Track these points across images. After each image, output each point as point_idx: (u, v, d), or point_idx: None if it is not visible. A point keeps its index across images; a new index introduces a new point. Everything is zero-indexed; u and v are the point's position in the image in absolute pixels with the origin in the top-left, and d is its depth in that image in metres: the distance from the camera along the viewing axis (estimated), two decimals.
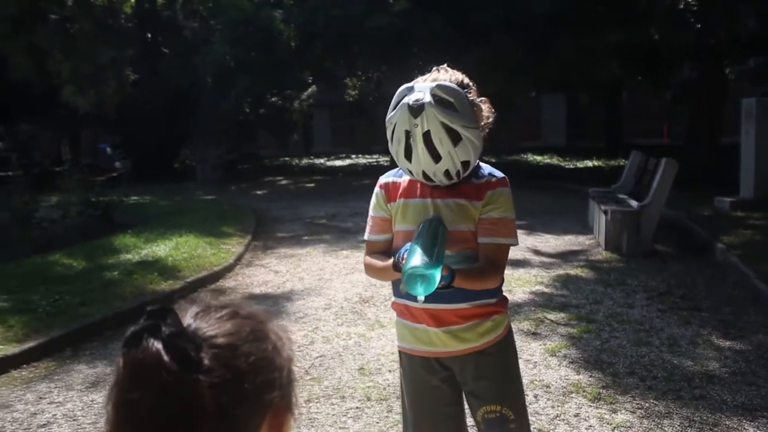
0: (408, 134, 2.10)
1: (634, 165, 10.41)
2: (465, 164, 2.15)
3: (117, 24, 21.86)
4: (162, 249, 8.58)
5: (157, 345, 0.81)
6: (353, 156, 27.98)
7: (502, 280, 2.35)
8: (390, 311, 6.08)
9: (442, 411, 2.38)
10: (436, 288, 1.96)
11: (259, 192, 18.08)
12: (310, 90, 24.21)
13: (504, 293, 2.40)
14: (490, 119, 2.22)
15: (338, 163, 26.28)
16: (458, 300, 2.24)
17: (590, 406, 4.02)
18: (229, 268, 8.12)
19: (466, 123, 2.09)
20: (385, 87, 25.03)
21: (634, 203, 8.50)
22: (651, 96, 24.06)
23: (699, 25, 14.24)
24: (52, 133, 30.08)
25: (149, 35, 22.93)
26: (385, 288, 6.89)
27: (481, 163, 2.30)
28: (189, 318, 0.88)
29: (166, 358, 0.80)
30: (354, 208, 12.89)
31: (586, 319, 5.64)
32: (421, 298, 1.97)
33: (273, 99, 23.00)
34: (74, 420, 4.16)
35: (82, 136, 30.01)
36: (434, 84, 2.10)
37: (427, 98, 2.06)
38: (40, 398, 4.51)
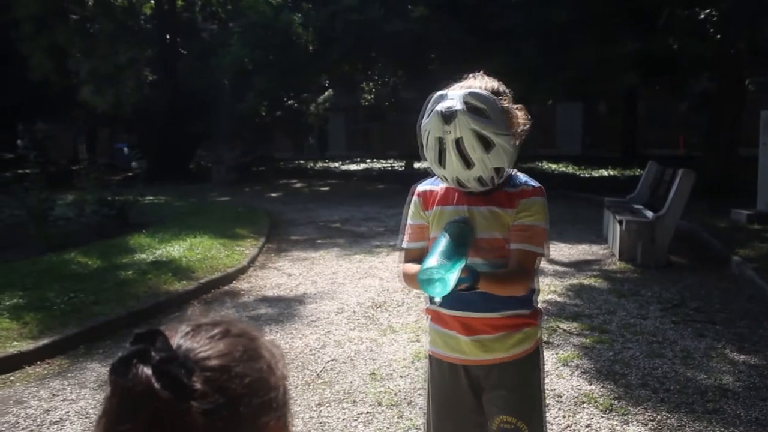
0: (440, 141, 2.12)
1: (650, 175, 10.35)
2: (498, 171, 2.16)
3: (136, 25, 22.06)
4: (176, 249, 8.63)
5: (147, 371, 0.77)
6: (368, 160, 27.99)
7: (536, 291, 2.34)
8: (402, 317, 6.10)
9: (467, 419, 2.38)
10: (458, 289, 1.97)
11: (273, 194, 18.14)
12: (326, 94, 24.28)
13: (538, 306, 2.38)
14: (526, 126, 2.22)
15: (353, 167, 26.30)
16: (490, 309, 2.25)
17: (602, 417, 3.99)
18: (242, 270, 8.15)
19: (497, 130, 2.09)
20: (402, 92, 25.11)
21: (649, 214, 8.45)
22: (668, 106, 23.97)
23: (719, 36, 14.17)
24: (69, 132, 30.37)
25: (168, 36, 23.10)
26: (398, 293, 6.90)
27: (518, 173, 2.30)
28: (179, 338, 0.84)
29: (157, 385, 0.76)
30: (368, 212, 12.91)
31: (599, 329, 5.61)
32: (438, 299, 1.98)
33: (289, 102, 23.08)
34: (87, 417, 4.19)
35: (99, 135, 30.25)
36: (466, 91, 2.11)
37: (459, 105, 2.08)
38: (54, 395, 4.55)
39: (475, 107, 2.09)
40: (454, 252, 2.01)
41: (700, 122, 18.69)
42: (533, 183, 2.27)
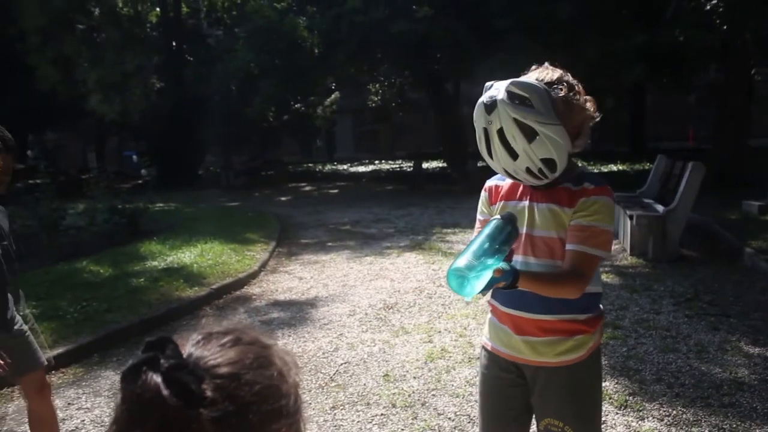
0: (486, 132, 2.10)
1: (659, 169, 10.31)
2: (547, 162, 2.08)
3: (142, 33, 22.16)
4: (187, 256, 8.65)
5: (157, 379, 0.78)
6: (376, 162, 28.00)
7: (598, 294, 2.26)
8: (414, 318, 6.10)
9: (511, 413, 2.35)
10: (496, 287, 1.94)
11: (282, 198, 18.17)
12: (333, 96, 24.31)
13: (601, 312, 2.30)
14: (594, 119, 2.17)
15: (361, 168, 26.33)
16: (542, 310, 2.18)
17: (617, 413, 3.97)
18: (253, 275, 8.16)
19: (542, 119, 2.02)
20: (408, 92, 25.10)
21: (660, 208, 8.42)
22: (676, 99, 23.86)
23: (725, 27, 14.10)
24: (78, 141, 30.54)
25: (174, 43, 23.19)
26: (409, 294, 6.89)
27: (587, 170, 2.24)
28: (190, 347, 0.85)
29: (165, 392, 0.77)
30: (377, 214, 12.90)
31: (612, 325, 5.59)
32: (468, 299, 1.91)
33: (296, 105, 23.13)
34: (102, 426, 4.21)
35: (108, 144, 30.40)
36: (510, 81, 2.07)
37: (501, 95, 2.04)
38: (69, 404, 4.57)
39: (517, 96, 2.04)
40: (488, 251, 1.94)
41: (708, 114, 18.61)
42: (598, 181, 2.17)
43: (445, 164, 22.98)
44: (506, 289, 1.99)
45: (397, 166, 26.01)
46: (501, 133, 2.06)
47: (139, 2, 22.44)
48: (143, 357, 0.80)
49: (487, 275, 1.88)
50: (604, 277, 7.27)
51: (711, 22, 14.26)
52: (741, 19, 13.27)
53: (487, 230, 2.01)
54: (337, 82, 23.11)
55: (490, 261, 1.91)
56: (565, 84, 2.11)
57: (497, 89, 2.06)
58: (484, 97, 2.07)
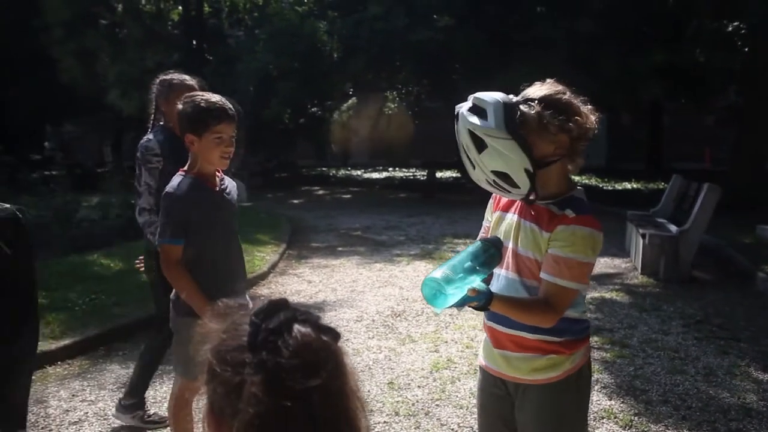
0: (458, 142, 2.15)
1: (674, 189, 10.24)
2: (500, 175, 2.07)
3: (164, 30, 22.31)
4: None
5: (307, 329, 0.88)
6: (390, 169, 27.99)
7: (576, 320, 2.24)
8: (421, 326, 6.08)
9: (504, 429, 2.35)
10: (469, 306, 1.97)
11: (295, 201, 18.20)
12: (350, 101, 24.33)
13: (583, 337, 2.27)
14: (578, 140, 2.11)
15: (375, 175, 26.33)
16: (515, 326, 2.19)
17: None
18: (262, 276, 8.17)
19: (491, 132, 2.02)
20: (425, 101, 25.09)
21: (673, 228, 8.36)
22: (694, 119, 23.73)
23: (746, 49, 14.03)
24: (95, 135, 30.70)
25: (194, 42, 23.31)
26: (417, 303, 6.87)
27: (580, 195, 2.20)
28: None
29: (325, 337, 0.89)
30: (389, 221, 12.89)
31: (620, 343, 5.55)
32: (437, 310, 1.98)
33: (313, 109, 23.16)
34: (105, 419, 4.22)
35: (125, 139, 30.56)
36: (475, 94, 2.10)
37: (464, 107, 2.09)
38: (73, 395, 4.58)
39: (475, 107, 2.07)
40: (468, 269, 1.99)
41: (726, 136, 18.49)
42: (581, 209, 2.13)
43: (458, 174, 22.95)
44: (478, 309, 2.04)
45: (411, 174, 25.99)
46: (461, 142, 2.11)
47: (162, 0, 22.61)
48: (286, 314, 0.89)
49: (460, 292, 1.93)
50: (613, 295, 7.22)
51: (732, 44, 14.19)
52: (763, 42, 13.20)
53: (471, 248, 2.10)
54: (354, 88, 23.13)
55: (468, 278, 1.97)
56: (546, 102, 2.09)
57: (467, 101, 2.11)
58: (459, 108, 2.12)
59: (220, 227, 3.03)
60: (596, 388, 4.62)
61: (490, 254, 2.10)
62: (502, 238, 2.25)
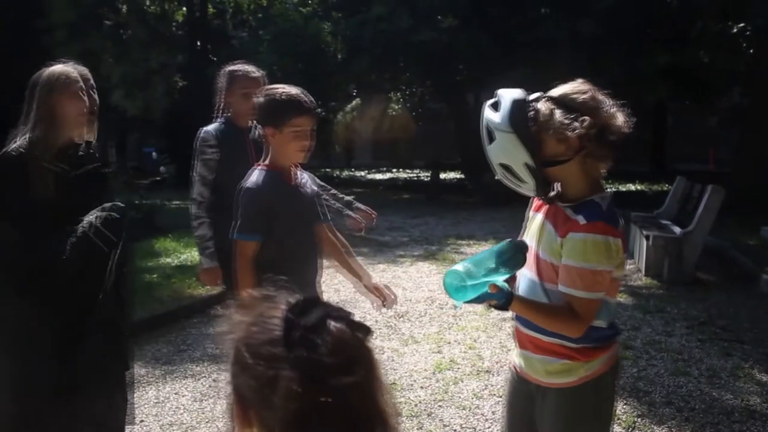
0: None
1: (678, 190, 10.23)
2: (505, 168, 2.13)
3: (168, 31, 22.34)
4: None
5: (341, 325, 0.90)
6: (394, 170, 28.00)
7: (594, 328, 2.15)
8: (424, 327, 6.08)
9: (524, 428, 2.36)
10: (484, 302, 2.01)
11: None
12: (354, 102, 24.34)
13: (603, 345, 2.21)
14: (578, 138, 2.07)
15: (378, 176, 26.33)
16: (534, 328, 2.20)
17: None
18: None
19: (498, 125, 2.08)
20: (429, 102, 25.08)
21: (677, 229, 8.35)
22: (697, 120, 23.70)
23: (751, 51, 14.00)
24: (99, 135, 30.78)
25: (199, 43, 23.34)
26: (420, 304, 6.88)
27: (596, 201, 2.14)
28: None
29: (359, 334, 0.90)
30: (392, 222, 12.89)
31: (624, 345, 5.54)
32: (457, 303, 2.00)
33: (317, 110, 23.21)
34: None
35: (129, 139, 30.63)
36: (500, 89, 2.16)
37: (490, 100, 2.16)
38: None
39: (494, 101, 2.13)
40: (491, 268, 1.99)
41: (730, 137, 18.45)
42: (592, 216, 2.08)
43: (462, 175, 22.94)
44: (498, 309, 2.05)
45: (415, 175, 25.99)
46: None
47: (166, 1, 22.63)
48: (321, 311, 0.91)
49: (481, 287, 1.96)
50: (617, 296, 7.18)
51: (737, 45, 14.16)
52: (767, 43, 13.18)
53: (496, 247, 2.08)
54: (358, 89, 23.14)
55: (490, 276, 1.98)
56: (560, 101, 2.10)
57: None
58: None
59: (297, 222, 2.97)
60: None
61: (514, 256, 2.07)
62: (529, 237, 2.27)
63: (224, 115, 3.85)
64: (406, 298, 7.10)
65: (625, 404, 4.36)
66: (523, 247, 2.12)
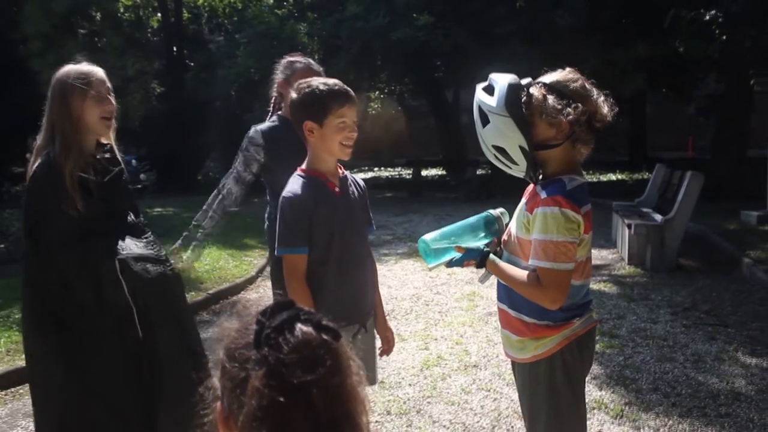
0: None
1: (658, 178, 10.31)
2: (499, 150, 2.21)
3: (143, 38, 22.19)
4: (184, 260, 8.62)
5: (308, 328, 0.92)
6: (375, 168, 28.01)
7: (567, 305, 2.22)
8: (411, 325, 6.08)
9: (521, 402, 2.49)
10: (464, 265, 2.25)
11: None
12: None
13: (558, 327, 2.25)
14: (568, 124, 2.15)
15: (360, 175, 26.33)
16: (504, 301, 2.35)
17: (613, 423, 3.96)
18: (250, 280, 8.15)
19: (493, 109, 2.15)
20: (408, 99, 25.11)
21: (658, 217, 8.41)
22: (676, 109, 23.89)
23: (724, 37, 14.13)
24: None
25: (175, 49, 23.22)
26: (406, 301, 6.88)
27: (561, 180, 2.20)
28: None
29: (325, 336, 0.92)
30: (376, 220, 12.76)
31: (609, 334, 5.58)
32: (429, 265, 2.31)
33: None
34: None
35: None
36: (493, 74, 2.24)
37: (482, 84, 2.24)
38: None
39: (488, 86, 2.20)
40: (461, 233, 2.28)
41: (708, 124, 18.63)
42: (551, 190, 2.16)
43: (444, 172, 22.98)
44: (477, 267, 2.25)
45: (397, 173, 26.01)
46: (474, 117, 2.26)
47: (141, 7, 22.48)
48: (289, 314, 0.93)
49: (446, 254, 2.27)
50: (601, 286, 7.25)
51: (710, 33, 14.28)
52: (740, 30, 13.30)
53: (474, 218, 2.36)
54: None
55: (459, 239, 2.28)
56: (553, 87, 2.18)
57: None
58: None
59: (344, 230, 2.69)
60: (586, 379, 4.64)
61: (486, 220, 2.33)
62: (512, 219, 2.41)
63: (278, 113, 3.57)
64: (391, 296, 7.10)
65: (612, 392, 4.39)
66: (500, 218, 2.37)
